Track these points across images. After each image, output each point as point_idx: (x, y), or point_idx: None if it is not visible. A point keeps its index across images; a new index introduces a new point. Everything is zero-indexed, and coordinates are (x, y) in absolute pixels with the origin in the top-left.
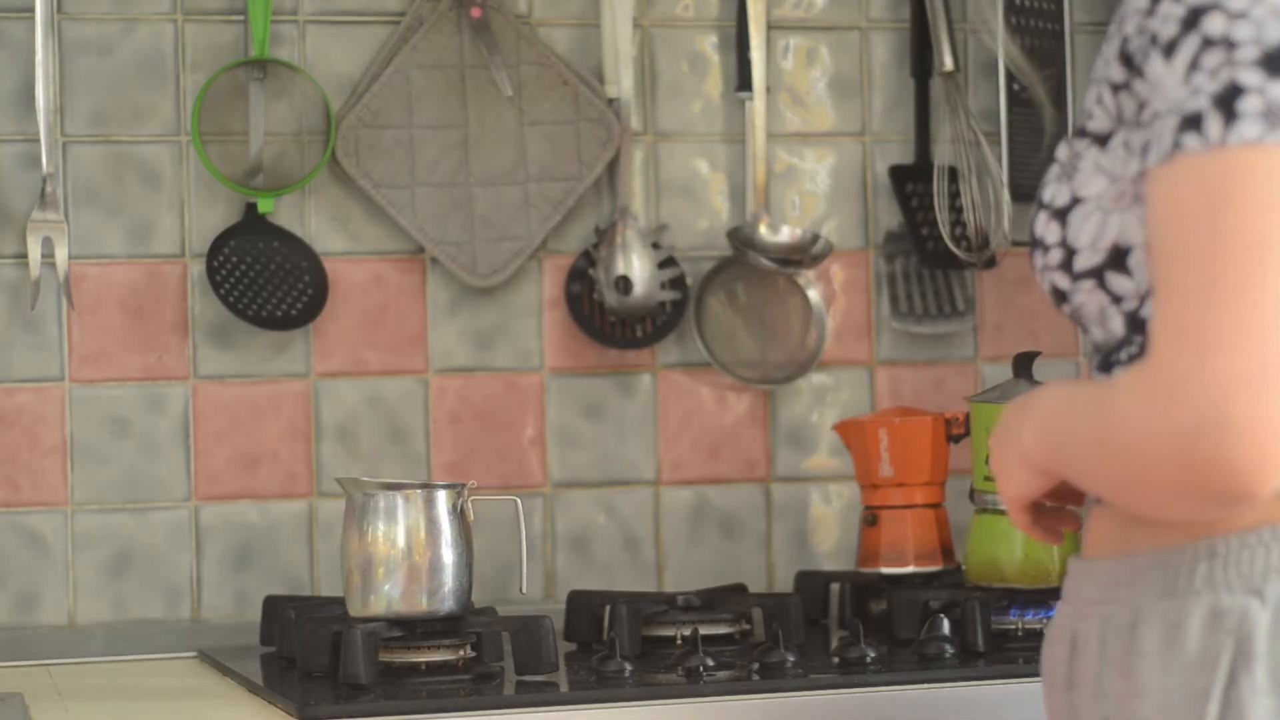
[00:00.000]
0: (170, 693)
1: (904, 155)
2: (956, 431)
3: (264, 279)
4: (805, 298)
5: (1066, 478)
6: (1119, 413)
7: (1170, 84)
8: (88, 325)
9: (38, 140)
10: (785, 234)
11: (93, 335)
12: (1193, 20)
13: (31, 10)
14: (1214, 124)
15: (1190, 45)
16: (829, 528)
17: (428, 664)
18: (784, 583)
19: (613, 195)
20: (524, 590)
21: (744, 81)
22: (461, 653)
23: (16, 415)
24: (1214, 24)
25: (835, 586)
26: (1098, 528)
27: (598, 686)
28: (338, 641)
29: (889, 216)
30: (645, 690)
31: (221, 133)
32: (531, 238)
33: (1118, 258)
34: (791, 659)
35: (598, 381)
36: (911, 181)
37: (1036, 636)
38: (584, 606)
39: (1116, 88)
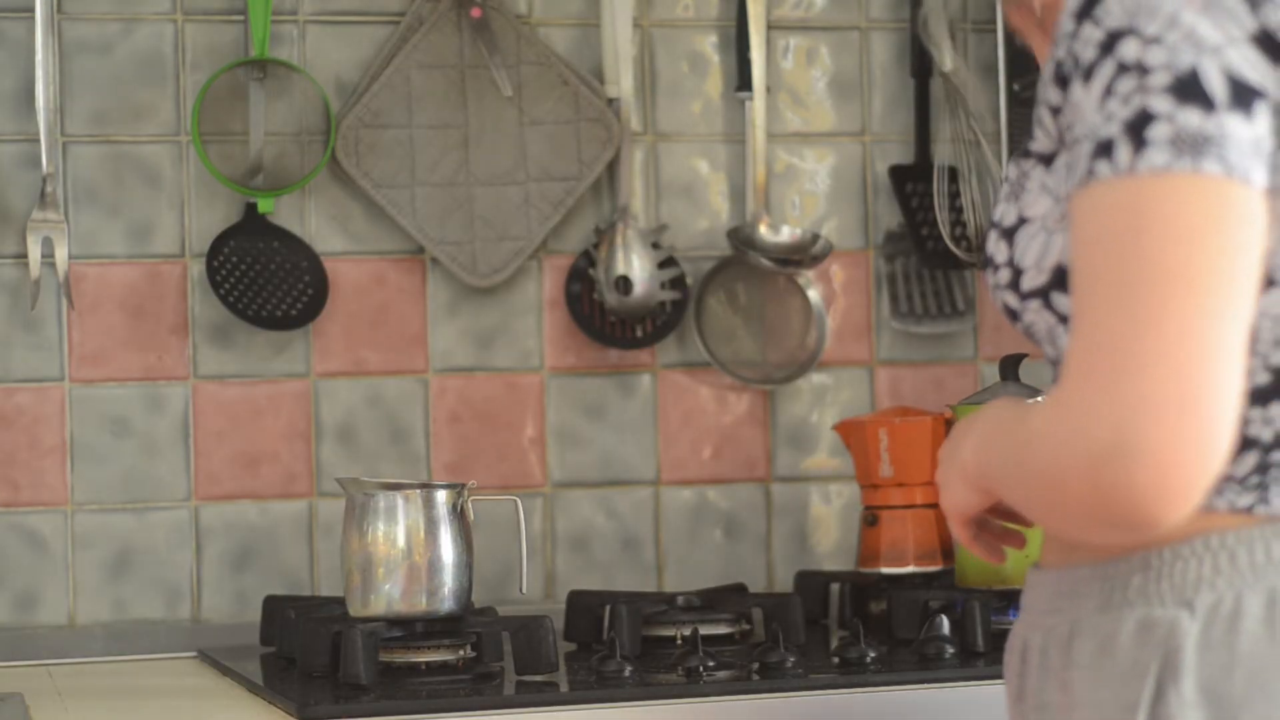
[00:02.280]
0: (170, 693)
1: (904, 155)
2: None
3: (264, 279)
4: (805, 298)
5: (999, 495)
6: (1034, 434)
7: (1088, 109)
8: (88, 325)
9: (38, 140)
10: (785, 234)
11: (93, 335)
12: (1109, 45)
13: (31, 10)
14: (1124, 151)
15: (1106, 70)
16: (829, 528)
17: (428, 664)
18: (784, 583)
19: (613, 195)
20: (524, 590)
21: (744, 81)
22: (461, 653)
23: (16, 415)
24: (1128, 49)
25: (835, 586)
26: (1048, 538)
27: (598, 686)
28: (338, 641)
29: (889, 216)
30: (645, 690)
31: (221, 133)
32: (531, 238)
33: (1061, 278)
34: (791, 659)
35: (598, 381)
36: (911, 181)
37: None
38: (584, 606)
39: (1054, 110)
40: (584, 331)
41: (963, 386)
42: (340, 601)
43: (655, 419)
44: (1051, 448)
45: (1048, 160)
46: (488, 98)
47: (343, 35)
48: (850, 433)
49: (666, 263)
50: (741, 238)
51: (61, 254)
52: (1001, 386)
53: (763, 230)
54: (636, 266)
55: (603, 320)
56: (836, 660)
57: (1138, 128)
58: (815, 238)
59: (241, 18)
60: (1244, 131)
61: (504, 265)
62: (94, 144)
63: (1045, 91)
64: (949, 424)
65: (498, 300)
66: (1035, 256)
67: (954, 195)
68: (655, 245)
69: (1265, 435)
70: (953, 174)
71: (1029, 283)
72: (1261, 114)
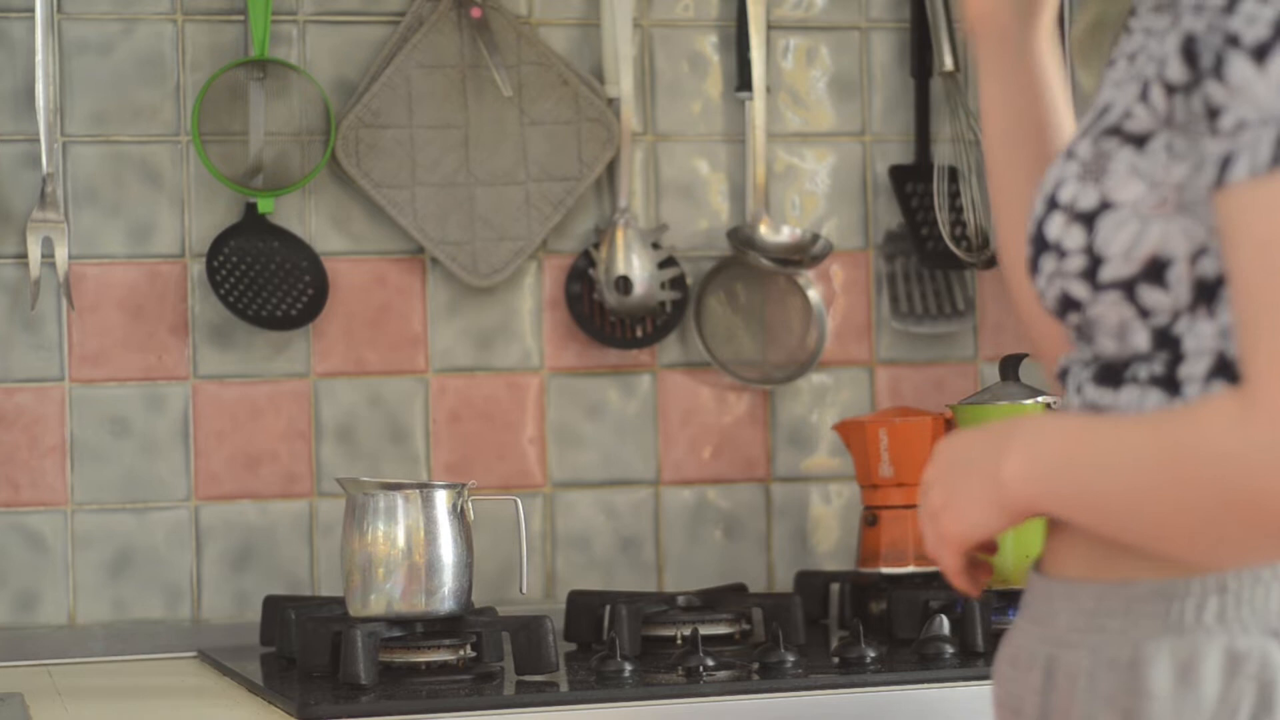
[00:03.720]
0: (170, 693)
1: (904, 155)
2: None
3: (264, 279)
4: (805, 298)
5: (1071, 518)
6: (1210, 450)
7: (1263, 92)
8: (88, 325)
9: (38, 140)
10: (785, 234)
11: (93, 335)
12: None
13: (31, 10)
14: None
15: None
16: (829, 528)
17: (428, 664)
18: (784, 583)
19: (613, 195)
20: (524, 590)
21: (744, 81)
22: (461, 653)
23: (16, 415)
24: None
25: (835, 586)
26: (1071, 547)
27: (598, 686)
28: (338, 641)
29: (889, 216)
30: (645, 690)
31: (221, 133)
32: (531, 238)
33: (1154, 269)
34: (791, 659)
35: (598, 381)
36: (911, 181)
37: None
38: (584, 606)
39: (1173, 88)
40: (584, 331)
41: (963, 386)
42: (340, 601)
43: (655, 419)
44: (1247, 462)
45: (1140, 141)
46: (488, 98)
47: (343, 35)
48: (850, 433)
49: (666, 263)
50: (741, 238)
51: (61, 254)
52: (1001, 387)
53: (763, 230)
54: (636, 266)
55: (603, 320)
56: (836, 660)
57: None
58: (815, 238)
59: (241, 18)
60: None
61: (504, 265)
62: (94, 144)
63: (1159, 67)
64: (949, 424)
65: (498, 300)
66: (1124, 245)
67: (954, 195)
68: (655, 245)
69: None
70: (953, 174)
71: (1111, 272)
72: None
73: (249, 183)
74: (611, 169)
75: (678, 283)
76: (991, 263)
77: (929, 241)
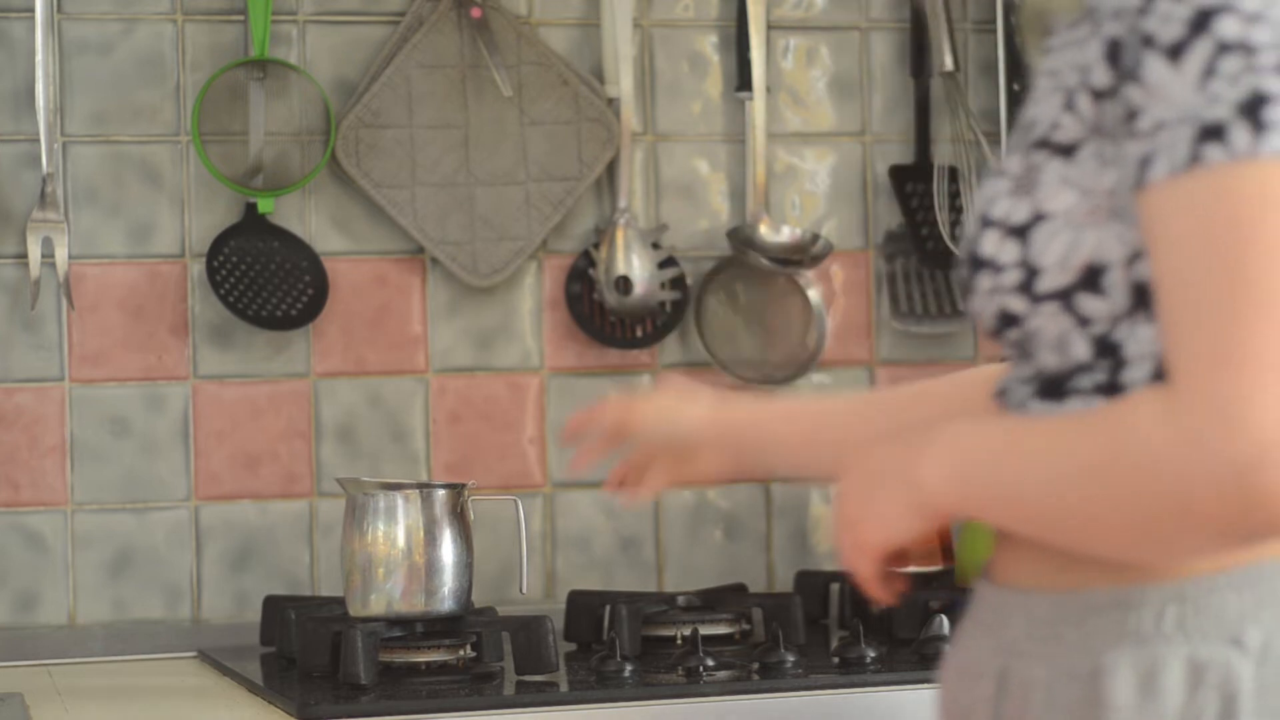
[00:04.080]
0: (170, 693)
1: (904, 155)
2: None
3: (264, 279)
4: (805, 298)
5: (992, 519)
6: (1139, 449)
7: (1179, 91)
8: (88, 325)
9: (38, 140)
10: (785, 234)
11: (93, 335)
12: (1201, 22)
13: (31, 10)
14: (1241, 134)
15: (1202, 49)
16: (829, 528)
17: (428, 664)
18: (784, 583)
19: (613, 195)
20: (524, 590)
21: (744, 81)
22: (461, 653)
23: (16, 415)
24: (1228, 27)
25: (835, 586)
26: (1023, 555)
27: (598, 686)
28: (338, 641)
29: (889, 216)
30: (645, 690)
31: (221, 133)
32: (531, 238)
33: (1090, 277)
34: (791, 659)
35: (598, 381)
36: (911, 181)
37: None
38: (584, 606)
39: (1099, 94)
40: (584, 331)
41: None
42: (340, 601)
43: None
44: (1179, 459)
45: (1069, 151)
46: (488, 98)
47: (343, 35)
48: None
49: (666, 263)
50: (741, 238)
51: (61, 254)
52: None
53: (763, 230)
54: (636, 266)
55: (603, 320)
56: (836, 660)
57: (1253, 109)
58: (815, 238)
59: (241, 18)
60: None
61: (504, 265)
62: (94, 144)
63: (1084, 75)
64: None
65: (498, 300)
66: (1059, 255)
67: (954, 195)
68: (655, 245)
69: None
70: (953, 174)
71: (1048, 284)
72: None
73: (249, 183)
74: (611, 169)
75: (678, 283)
76: None
77: (929, 241)
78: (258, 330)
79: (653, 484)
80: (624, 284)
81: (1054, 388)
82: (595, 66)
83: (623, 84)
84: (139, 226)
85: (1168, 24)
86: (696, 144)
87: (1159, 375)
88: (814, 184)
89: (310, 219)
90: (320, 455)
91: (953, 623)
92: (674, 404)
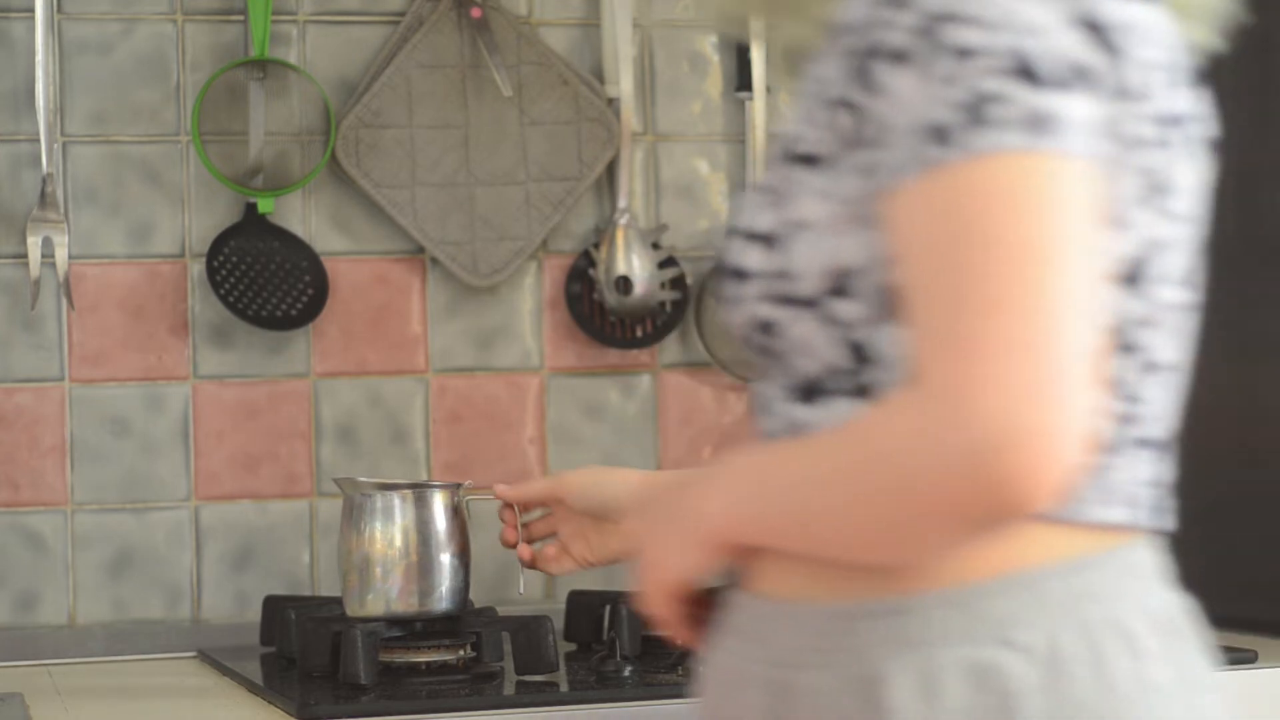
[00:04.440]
0: (170, 693)
1: None
2: None
3: (264, 279)
4: None
5: (777, 544)
6: (883, 445)
7: (909, 97)
8: (88, 325)
9: (38, 140)
10: None
11: (93, 335)
12: (929, 29)
13: (31, 10)
14: (966, 134)
15: (929, 56)
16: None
17: (428, 664)
18: None
19: (612, 195)
20: (523, 590)
21: (744, 81)
22: (461, 653)
23: (16, 415)
24: (953, 33)
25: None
26: (790, 567)
27: (598, 686)
28: (338, 641)
29: None
30: (645, 690)
31: (221, 133)
32: (531, 238)
33: (841, 283)
34: None
35: (598, 381)
36: None
37: None
38: (584, 606)
39: (844, 106)
40: (584, 331)
41: None
42: (340, 601)
43: (655, 419)
44: (920, 451)
45: (819, 162)
46: (488, 98)
47: (343, 35)
48: None
49: (666, 263)
50: None
51: (61, 254)
52: None
53: None
54: (636, 266)
55: (603, 320)
56: None
57: (977, 110)
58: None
59: (241, 18)
60: (1081, 110)
61: (504, 265)
62: (94, 144)
63: (828, 88)
64: None
65: (498, 300)
66: (812, 261)
67: None
68: (655, 245)
69: (1093, 427)
70: None
71: (802, 290)
72: (1092, 93)
73: (249, 183)
74: (611, 169)
75: (678, 283)
76: None
77: None
78: (258, 330)
79: (569, 560)
80: (624, 284)
81: (809, 393)
82: (595, 66)
83: (623, 84)
84: (139, 226)
85: (896, 33)
86: (696, 144)
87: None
88: None
89: (310, 219)
90: (320, 455)
91: None
92: (603, 472)
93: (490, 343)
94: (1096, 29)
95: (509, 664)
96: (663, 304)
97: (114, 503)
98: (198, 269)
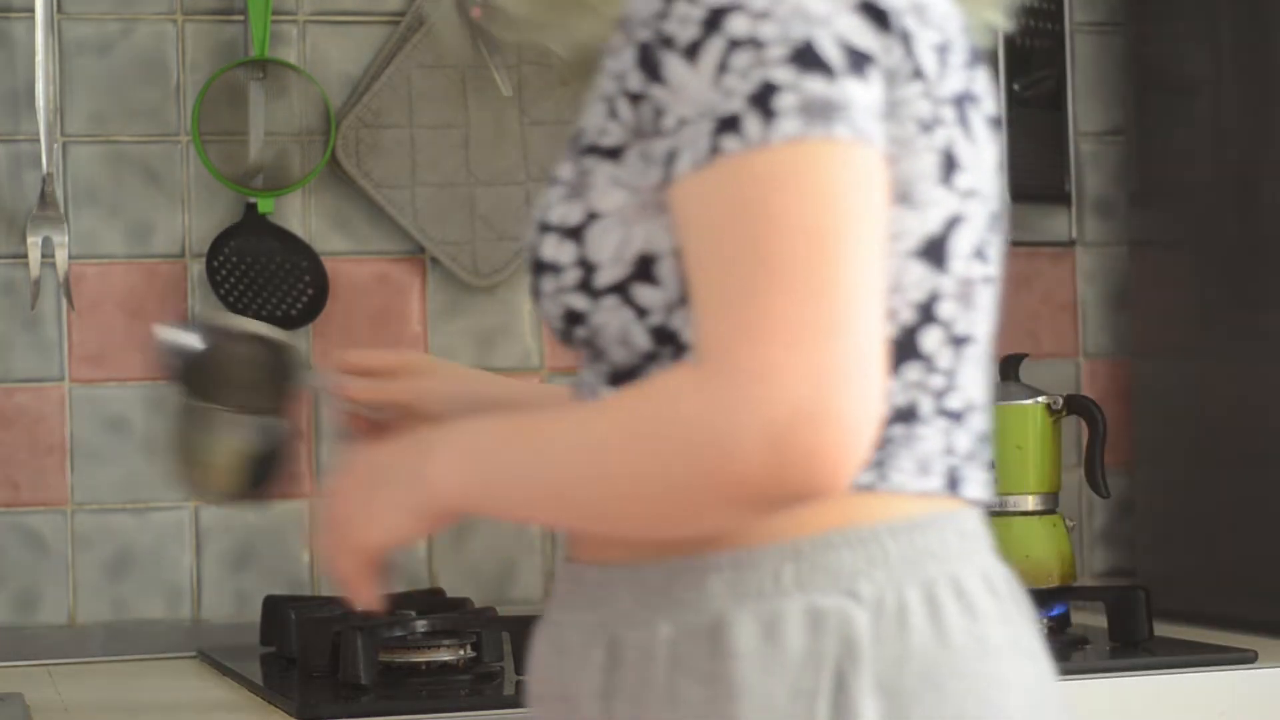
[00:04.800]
0: (170, 693)
1: None
2: None
3: (264, 279)
4: None
5: (511, 513)
6: (667, 421)
7: (697, 88)
8: (88, 325)
9: (38, 140)
10: None
11: (93, 335)
12: (714, 22)
13: (31, 10)
14: (753, 123)
15: (715, 47)
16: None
17: (428, 664)
18: None
19: None
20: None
21: None
22: (461, 653)
23: (16, 415)
24: (738, 24)
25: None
26: (606, 534)
27: None
28: (338, 641)
29: None
30: None
31: (221, 133)
32: None
33: (644, 269)
34: None
35: None
36: None
37: None
38: None
39: (635, 98)
40: None
41: None
42: (340, 601)
43: None
44: (714, 425)
45: (615, 153)
46: (488, 98)
47: (343, 35)
48: None
49: None
50: None
51: (61, 254)
52: (1002, 387)
53: None
54: None
55: None
56: None
57: (763, 99)
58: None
59: (241, 18)
60: (864, 95)
61: (504, 265)
62: (94, 144)
63: (623, 81)
64: None
65: (498, 300)
66: (613, 250)
67: None
68: None
69: (883, 409)
70: None
71: (605, 278)
72: (875, 78)
73: (249, 183)
74: None
75: None
76: None
77: None
78: None
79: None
80: None
81: (623, 381)
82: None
83: None
84: (139, 226)
85: (685, 26)
86: None
87: None
88: None
89: (310, 219)
90: (320, 455)
91: None
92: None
93: (490, 343)
94: (881, 13)
95: (509, 664)
96: None
97: (114, 503)
98: (198, 269)
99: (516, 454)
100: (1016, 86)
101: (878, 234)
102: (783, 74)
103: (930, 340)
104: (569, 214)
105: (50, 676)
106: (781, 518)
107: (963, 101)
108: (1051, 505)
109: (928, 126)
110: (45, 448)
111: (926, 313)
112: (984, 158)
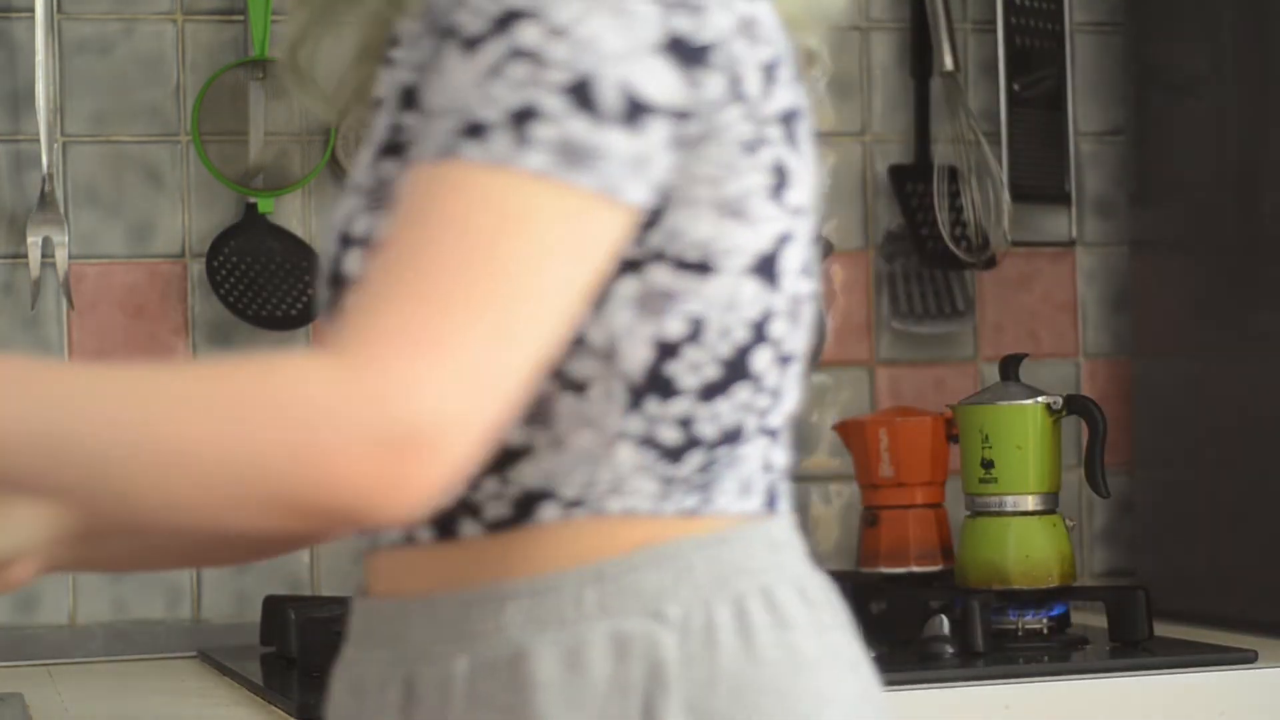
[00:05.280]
0: (170, 693)
1: (904, 155)
2: (956, 432)
3: (264, 279)
4: None
5: (40, 485)
6: (289, 398)
7: (461, 82)
8: (88, 325)
9: (38, 140)
10: None
11: (93, 335)
12: (505, 23)
13: (31, 10)
14: (501, 141)
15: (496, 49)
16: (829, 528)
17: None
18: None
19: None
20: None
21: None
22: None
23: None
24: (528, 34)
25: (835, 586)
26: (409, 566)
27: None
28: (338, 642)
29: (889, 216)
30: None
31: (221, 133)
32: None
33: None
34: None
35: None
36: (911, 181)
37: (1037, 636)
38: None
39: (412, 90)
40: None
41: (963, 386)
42: (340, 601)
43: None
44: (329, 416)
45: (402, 152)
46: None
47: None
48: (850, 433)
49: None
50: None
51: (61, 254)
52: (1002, 386)
53: None
54: None
55: None
56: None
57: (521, 121)
58: (815, 237)
59: (241, 18)
60: (628, 147)
61: None
62: (94, 144)
63: (418, 74)
64: (949, 424)
65: None
66: None
67: (954, 195)
68: None
69: (710, 432)
70: (953, 174)
71: None
72: (653, 129)
73: (249, 183)
74: None
75: None
76: (991, 263)
77: (929, 241)
78: (258, 330)
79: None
80: None
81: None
82: None
83: None
84: (139, 226)
85: (475, 18)
86: None
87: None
88: None
89: (310, 219)
90: None
91: (953, 623)
92: None
93: None
94: (693, 51)
95: None
96: None
97: None
98: (198, 269)
99: (57, 419)
100: (1016, 86)
101: (575, 286)
102: (552, 102)
103: (760, 360)
104: (374, 226)
105: (50, 676)
106: (585, 539)
107: (790, 118)
108: (1051, 505)
109: (751, 147)
110: None
111: (759, 331)
112: (809, 173)
